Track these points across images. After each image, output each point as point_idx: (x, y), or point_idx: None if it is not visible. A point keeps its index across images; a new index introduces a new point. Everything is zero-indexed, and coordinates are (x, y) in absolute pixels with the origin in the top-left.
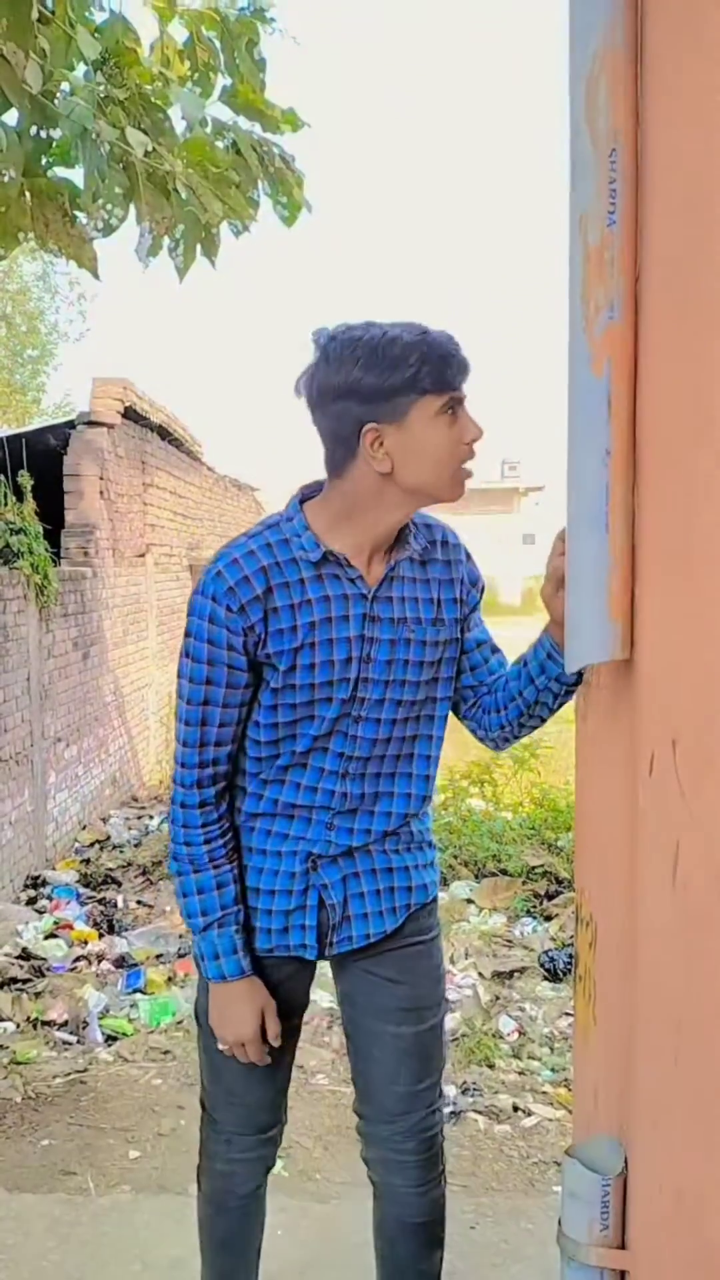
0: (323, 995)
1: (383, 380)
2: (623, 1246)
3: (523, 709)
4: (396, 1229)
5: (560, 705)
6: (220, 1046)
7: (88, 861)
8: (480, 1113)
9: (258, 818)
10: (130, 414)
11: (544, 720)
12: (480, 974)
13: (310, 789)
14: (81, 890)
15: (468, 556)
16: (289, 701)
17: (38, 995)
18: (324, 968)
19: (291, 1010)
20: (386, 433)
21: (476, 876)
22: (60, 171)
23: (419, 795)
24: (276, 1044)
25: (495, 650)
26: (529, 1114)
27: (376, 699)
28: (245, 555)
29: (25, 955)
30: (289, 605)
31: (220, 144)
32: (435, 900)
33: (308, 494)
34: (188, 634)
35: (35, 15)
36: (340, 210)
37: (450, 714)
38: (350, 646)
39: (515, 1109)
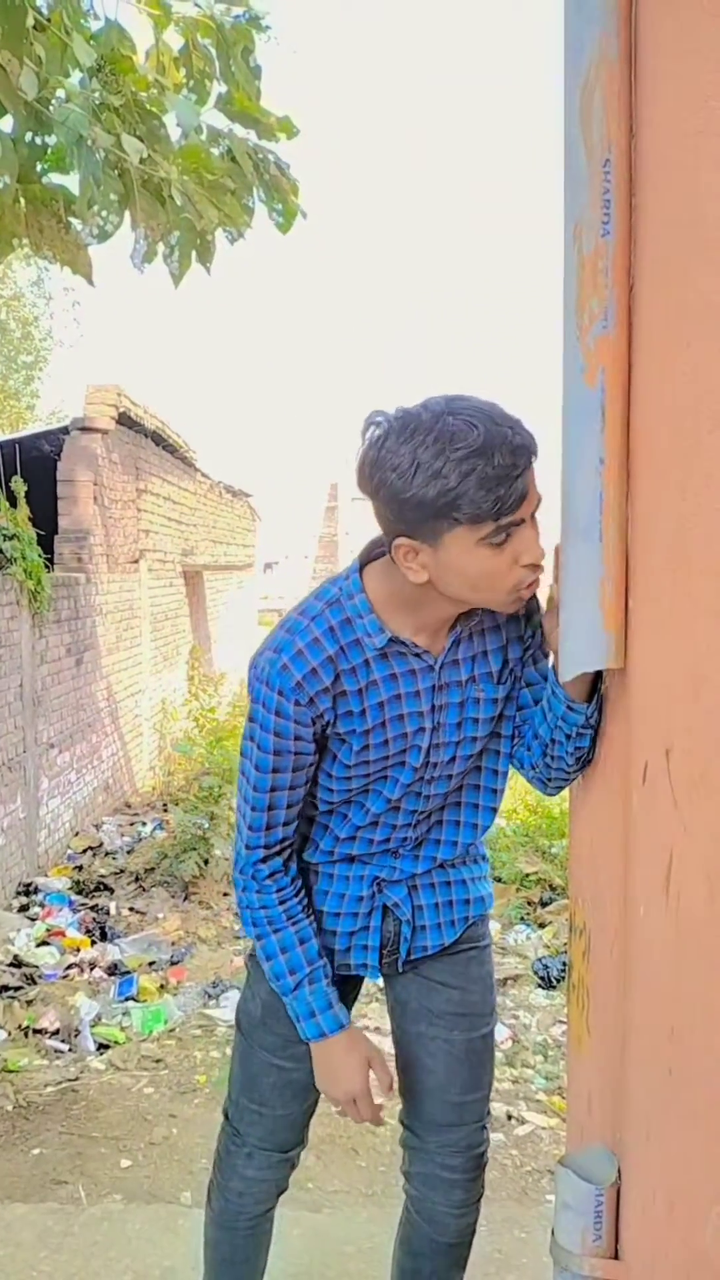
0: None
1: (415, 501)
2: (616, 1257)
3: (544, 748)
4: (427, 1247)
5: (578, 749)
6: (333, 1110)
7: (80, 868)
8: None
9: (326, 864)
10: (124, 420)
11: (565, 763)
12: None
13: (383, 841)
14: (74, 897)
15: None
16: (362, 773)
17: (29, 1003)
18: None
19: None
20: (421, 549)
21: None
22: (55, 178)
23: (484, 825)
24: (389, 1092)
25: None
26: (522, 1122)
27: (448, 759)
28: (310, 644)
29: (17, 963)
30: (357, 690)
31: (215, 151)
32: (489, 910)
33: (372, 554)
34: (252, 719)
35: (30, 22)
36: (336, 215)
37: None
38: (421, 719)
39: (509, 1117)
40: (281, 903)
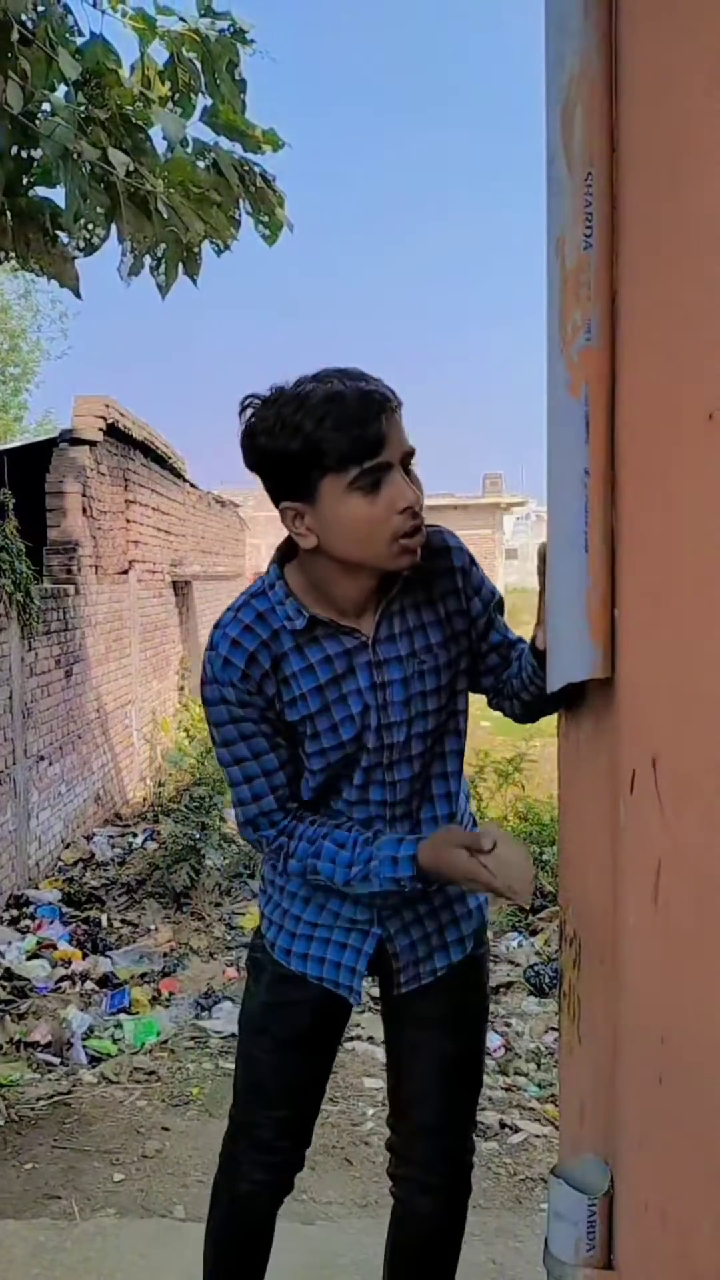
0: None
1: (283, 455)
2: (609, 1267)
3: (530, 700)
4: (412, 1251)
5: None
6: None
7: (71, 880)
8: None
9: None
10: (112, 431)
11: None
12: None
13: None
14: (65, 909)
15: (471, 561)
16: (319, 765)
17: (21, 1016)
18: None
19: (329, 1032)
20: (304, 510)
21: None
22: (42, 191)
23: (444, 815)
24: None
25: (516, 647)
26: (516, 1130)
27: (402, 741)
28: (243, 633)
29: (8, 976)
30: (293, 674)
31: (201, 164)
32: (486, 921)
33: (288, 554)
34: (212, 723)
35: (16, 36)
36: (326, 222)
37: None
38: (363, 697)
39: (502, 1125)
40: (304, 832)
